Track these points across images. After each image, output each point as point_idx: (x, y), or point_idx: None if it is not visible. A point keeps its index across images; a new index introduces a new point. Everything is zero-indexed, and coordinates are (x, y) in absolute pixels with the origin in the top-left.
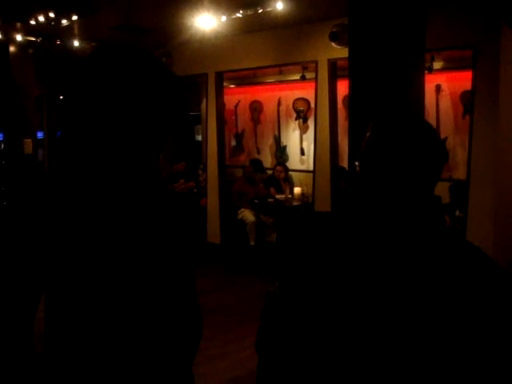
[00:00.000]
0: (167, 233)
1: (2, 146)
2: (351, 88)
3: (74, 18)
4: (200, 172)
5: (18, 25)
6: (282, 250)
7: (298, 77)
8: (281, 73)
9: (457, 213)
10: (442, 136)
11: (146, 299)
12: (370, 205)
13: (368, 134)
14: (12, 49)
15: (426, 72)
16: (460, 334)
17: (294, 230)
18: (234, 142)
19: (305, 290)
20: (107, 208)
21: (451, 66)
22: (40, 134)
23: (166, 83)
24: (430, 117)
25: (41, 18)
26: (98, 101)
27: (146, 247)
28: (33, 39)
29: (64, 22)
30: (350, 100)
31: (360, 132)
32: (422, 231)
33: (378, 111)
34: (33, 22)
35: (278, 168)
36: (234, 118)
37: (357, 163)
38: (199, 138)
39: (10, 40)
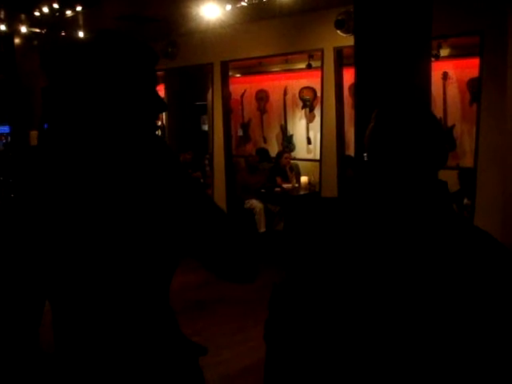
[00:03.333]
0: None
1: (9, 138)
2: (357, 76)
3: (79, 8)
4: (206, 162)
5: (23, 16)
6: (288, 239)
7: (304, 65)
8: (287, 62)
9: (465, 201)
10: (450, 124)
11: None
12: (377, 193)
13: (372, 124)
14: (17, 40)
15: (433, 59)
16: (470, 321)
17: (300, 219)
18: (240, 132)
19: (312, 280)
20: (98, 187)
21: (458, 53)
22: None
23: (141, 58)
24: (437, 105)
25: (45, 9)
26: (80, 83)
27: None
28: (37, 31)
29: (68, 12)
30: (356, 88)
31: (366, 120)
32: (430, 217)
33: (384, 99)
34: (37, 14)
35: (286, 155)
36: (240, 107)
37: (365, 154)
38: (206, 127)
39: (15, 32)
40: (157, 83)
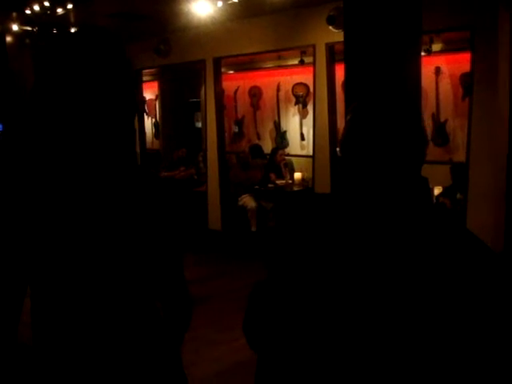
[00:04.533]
0: (140, 216)
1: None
2: (347, 71)
3: (70, 6)
4: (200, 159)
5: (14, 14)
6: (273, 237)
7: (296, 61)
8: (279, 58)
9: (457, 195)
10: (442, 119)
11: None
12: (354, 189)
13: (348, 117)
14: (8, 39)
15: (425, 54)
16: (449, 321)
17: (284, 216)
18: (234, 129)
19: (292, 275)
20: (75, 186)
21: (451, 47)
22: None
23: (115, 56)
24: (430, 99)
25: (36, 8)
26: (57, 82)
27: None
28: (29, 29)
29: (59, 10)
30: (347, 84)
31: None
32: (408, 214)
33: (374, 95)
34: (28, 12)
35: (280, 152)
36: (233, 104)
37: (338, 148)
38: (199, 124)
39: (6, 30)
40: (135, 84)
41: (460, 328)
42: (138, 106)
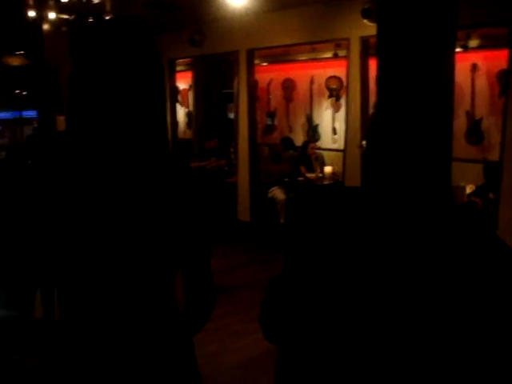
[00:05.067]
0: (166, 204)
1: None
2: (379, 66)
3: None
4: (232, 150)
5: (51, 3)
6: (290, 230)
7: (330, 54)
8: (313, 50)
9: (490, 195)
10: (477, 117)
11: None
12: (376, 184)
13: (373, 112)
14: (45, 27)
15: (461, 50)
16: (463, 317)
17: (303, 209)
18: (266, 121)
19: (311, 268)
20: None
21: (488, 44)
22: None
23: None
24: (465, 97)
25: None
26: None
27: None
28: (66, 17)
29: None
30: (379, 78)
31: None
32: (430, 214)
33: (407, 91)
34: (64, 0)
35: (312, 145)
36: (266, 96)
37: (364, 142)
38: (232, 116)
39: (43, 18)
40: (164, 74)
41: (480, 335)
42: (168, 95)
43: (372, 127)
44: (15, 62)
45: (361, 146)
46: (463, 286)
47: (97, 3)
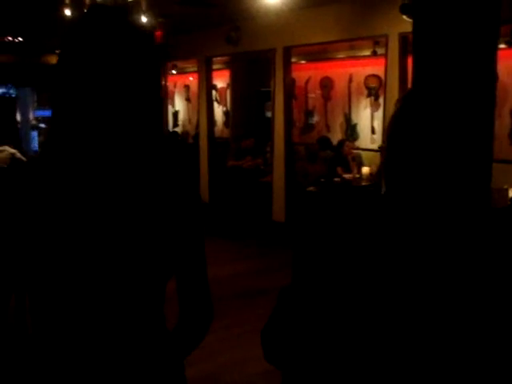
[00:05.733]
0: (156, 207)
1: None
2: (415, 63)
3: None
4: (268, 149)
5: (87, 1)
6: (304, 238)
7: (369, 52)
8: (352, 48)
9: None
10: None
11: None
12: (398, 189)
13: (397, 108)
14: None
15: (506, 46)
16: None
17: (317, 215)
18: (304, 120)
19: (324, 280)
20: (93, 175)
21: None
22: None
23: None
24: (510, 95)
25: None
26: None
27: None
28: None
29: None
30: (414, 76)
31: None
32: (464, 221)
33: (443, 87)
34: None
35: (348, 144)
36: (304, 94)
37: (383, 144)
38: (269, 114)
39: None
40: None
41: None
42: (205, 94)
43: (396, 125)
44: (54, 60)
45: (381, 148)
46: (503, 297)
47: (133, 2)
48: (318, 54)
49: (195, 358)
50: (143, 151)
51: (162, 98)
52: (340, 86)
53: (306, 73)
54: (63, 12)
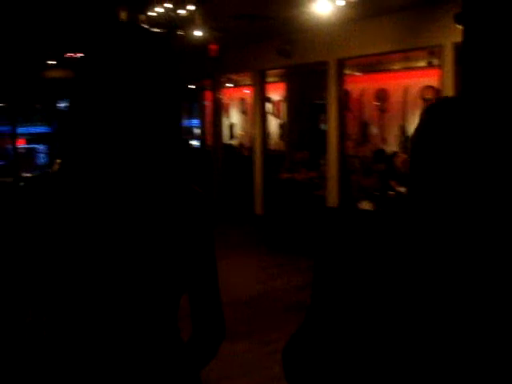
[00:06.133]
0: (169, 229)
1: None
2: (464, 75)
3: (191, 7)
4: (322, 162)
5: (143, 17)
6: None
7: (424, 63)
8: (407, 59)
9: None
10: None
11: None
12: (420, 206)
13: (423, 118)
14: None
15: None
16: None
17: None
18: (359, 132)
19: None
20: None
21: None
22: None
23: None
24: None
25: (159, 10)
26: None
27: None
28: (157, 31)
29: (181, 12)
30: (462, 88)
31: None
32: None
33: (495, 104)
34: (152, 14)
35: (401, 156)
36: (359, 106)
37: (401, 155)
38: (324, 127)
39: None
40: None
41: None
42: (260, 106)
43: (423, 138)
44: None
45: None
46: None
47: (185, 16)
48: (373, 65)
49: (244, 370)
50: (158, 166)
51: (180, 115)
52: (395, 97)
53: (360, 85)
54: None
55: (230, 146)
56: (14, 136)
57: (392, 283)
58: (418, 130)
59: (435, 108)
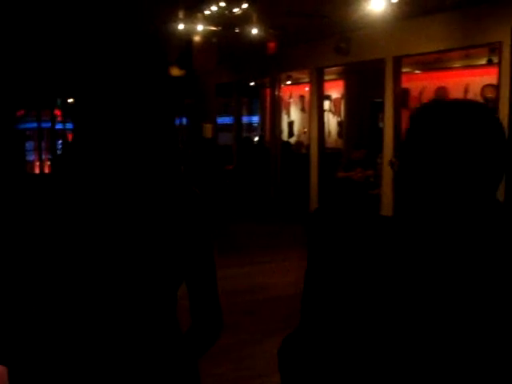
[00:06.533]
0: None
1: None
2: None
3: (244, 6)
4: (379, 160)
5: (200, 15)
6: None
7: (485, 61)
8: (467, 57)
9: None
10: None
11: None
12: (410, 209)
13: (409, 123)
14: (195, 39)
15: None
16: None
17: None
18: None
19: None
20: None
21: None
22: (228, 119)
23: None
24: None
25: (213, 8)
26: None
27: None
28: (214, 28)
29: (236, 10)
30: None
31: None
32: (479, 243)
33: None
34: (207, 12)
35: None
36: (419, 105)
37: (393, 159)
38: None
39: (193, 31)
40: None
41: None
42: (316, 104)
43: (407, 139)
44: (175, 72)
45: (392, 164)
46: None
47: (240, 14)
48: (433, 63)
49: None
50: (155, 164)
51: (173, 115)
52: (455, 96)
53: (420, 83)
54: (178, 27)
55: (288, 143)
56: None
57: (388, 281)
58: (407, 133)
59: (422, 112)
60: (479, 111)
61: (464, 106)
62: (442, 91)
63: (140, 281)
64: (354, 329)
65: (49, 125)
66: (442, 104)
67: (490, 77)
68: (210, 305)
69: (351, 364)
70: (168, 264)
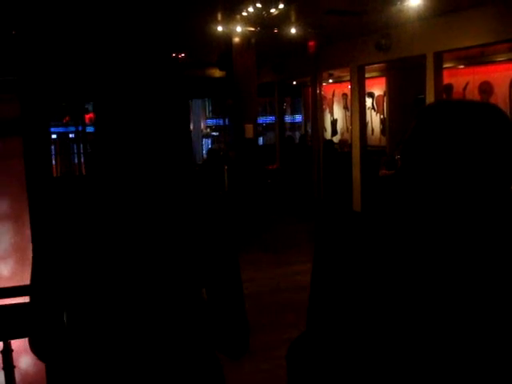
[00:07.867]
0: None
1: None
2: None
3: (281, 6)
4: None
5: (238, 17)
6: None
7: None
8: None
9: None
10: None
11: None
12: (413, 207)
13: (413, 123)
14: (235, 40)
15: None
16: None
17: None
18: None
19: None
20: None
21: None
22: (271, 118)
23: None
24: None
25: (250, 9)
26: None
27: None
28: (252, 29)
29: (272, 10)
30: None
31: None
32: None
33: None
34: (245, 14)
35: None
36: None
37: (398, 156)
38: None
39: (233, 32)
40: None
41: None
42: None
43: (412, 136)
44: (217, 73)
45: (395, 162)
46: None
47: (277, 14)
48: (477, 57)
49: None
50: (174, 173)
51: (188, 122)
52: (500, 90)
53: (464, 78)
54: (217, 29)
55: (331, 141)
56: None
57: (398, 281)
58: (411, 131)
59: (427, 111)
60: (487, 108)
61: (472, 104)
62: (486, 86)
63: (159, 282)
64: (361, 332)
65: (91, 129)
66: (448, 103)
67: None
68: (232, 319)
69: (359, 369)
70: (186, 265)
